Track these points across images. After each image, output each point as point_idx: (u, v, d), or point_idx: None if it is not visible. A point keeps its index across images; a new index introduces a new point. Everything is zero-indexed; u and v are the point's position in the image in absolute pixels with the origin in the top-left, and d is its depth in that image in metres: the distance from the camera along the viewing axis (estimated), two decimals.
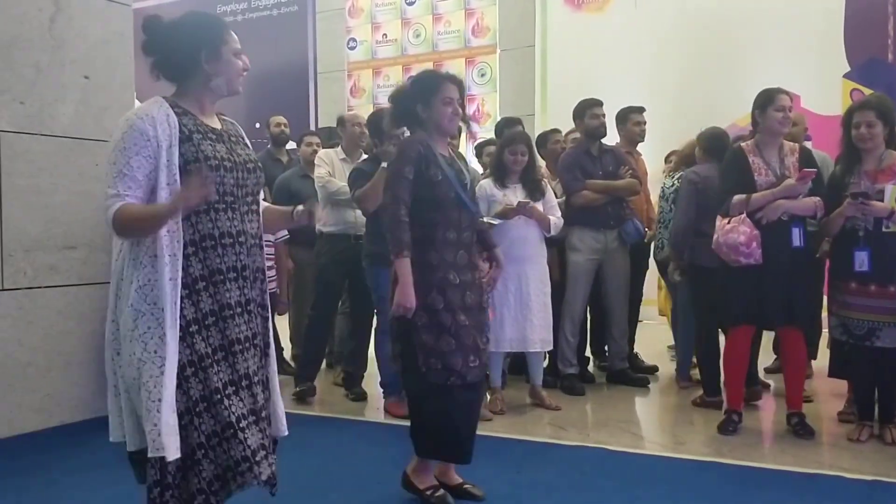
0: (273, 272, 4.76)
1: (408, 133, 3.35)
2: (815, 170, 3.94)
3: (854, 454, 3.83)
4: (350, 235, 4.84)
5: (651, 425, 4.68)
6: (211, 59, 2.27)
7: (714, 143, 4.78)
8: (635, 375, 5.44)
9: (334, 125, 5.65)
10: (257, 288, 2.38)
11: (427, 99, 3.11)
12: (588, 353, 5.82)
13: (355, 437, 4.33)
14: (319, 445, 4.06)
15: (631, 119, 5.62)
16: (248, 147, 2.43)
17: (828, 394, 5.01)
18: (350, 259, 4.74)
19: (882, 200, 3.84)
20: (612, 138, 5.67)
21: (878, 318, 3.88)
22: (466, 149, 9.02)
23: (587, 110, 5.33)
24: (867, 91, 7.00)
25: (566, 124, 5.81)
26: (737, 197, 4.05)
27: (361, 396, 5.00)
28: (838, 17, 7.84)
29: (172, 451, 2.08)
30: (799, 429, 4.13)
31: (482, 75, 9.56)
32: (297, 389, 4.87)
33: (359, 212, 4.65)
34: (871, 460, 3.73)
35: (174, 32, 2.26)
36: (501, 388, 4.79)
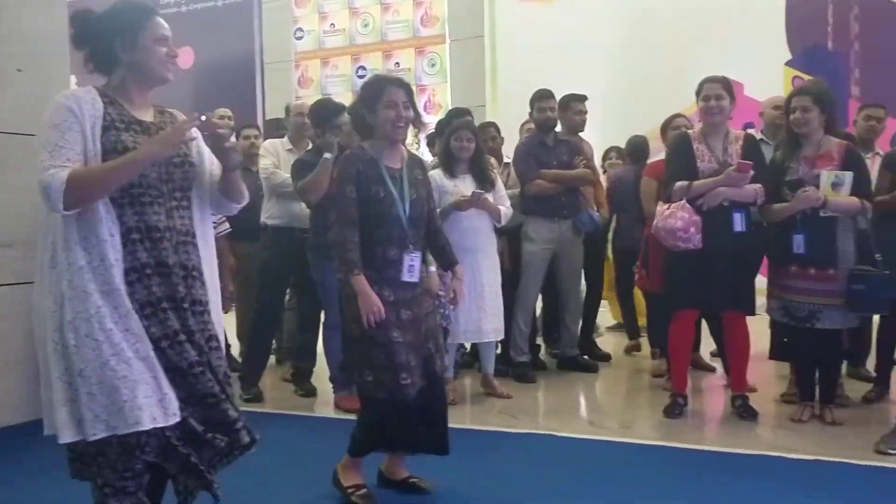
0: None
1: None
2: (750, 163, 3.98)
3: (796, 434, 3.91)
4: (295, 228, 4.78)
5: (600, 411, 4.72)
6: (126, 46, 2.24)
7: (635, 149, 5.33)
8: (586, 361, 5.49)
9: (282, 116, 5.57)
10: (187, 285, 2.31)
11: (371, 105, 3.04)
12: (539, 340, 5.86)
13: (306, 432, 4.29)
14: (270, 442, 3.97)
15: (572, 107, 5.64)
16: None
17: (771, 376, 5.11)
18: (296, 252, 4.68)
19: (818, 185, 3.91)
20: None
21: (818, 300, 3.95)
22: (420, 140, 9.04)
23: (535, 103, 5.35)
24: (808, 78, 7.13)
25: (517, 114, 5.82)
26: (679, 183, 4.10)
27: (311, 392, 4.95)
28: (780, 6, 7.99)
29: (147, 421, 2.12)
30: (743, 411, 4.21)
31: (432, 65, 9.53)
32: (245, 398, 4.80)
33: (305, 204, 4.60)
34: (813, 440, 3.81)
35: (97, 24, 2.25)
36: (454, 378, 4.79)
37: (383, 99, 3.01)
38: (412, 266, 3.04)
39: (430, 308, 3.17)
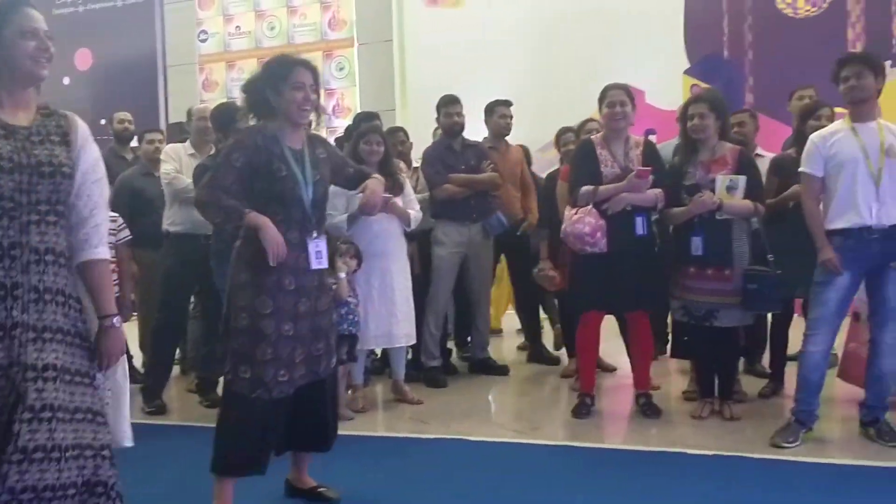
0: (114, 276, 4.53)
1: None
2: (648, 168, 4.10)
3: (697, 430, 4.04)
4: (199, 235, 4.65)
5: (510, 413, 4.77)
6: None
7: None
8: (497, 364, 5.54)
9: (185, 120, 5.43)
10: (37, 311, 2.05)
11: (277, 85, 2.89)
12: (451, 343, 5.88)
13: (207, 444, 4.17)
14: (175, 455, 3.90)
15: (496, 112, 5.70)
16: (68, 147, 2.16)
17: (675, 373, 5.26)
18: (199, 259, 4.56)
19: (714, 189, 4.05)
20: (482, 131, 5.74)
21: (715, 299, 4.10)
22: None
23: (441, 108, 5.40)
24: (705, 86, 7.40)
25: (428, 118, 5.82)
26: (584, 188, 4.18)
27: (217, 402, 4.82)
28: (678, 16, 8.26)
29: None
30: (646, 409, 4.32)
31: (341, 69, 9.46)
32: (148, 410, 4.64)
33: None
34: (713, 435, 3.94)
35: None
36: (364, 385, 4.76)
37: (290, 79, 2.88)
38: (319, 252, 2.93)
39: (326, 306, 3.04)
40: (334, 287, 4.13)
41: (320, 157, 3.02)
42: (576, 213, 4.16)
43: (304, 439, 3.08)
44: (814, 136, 3.85)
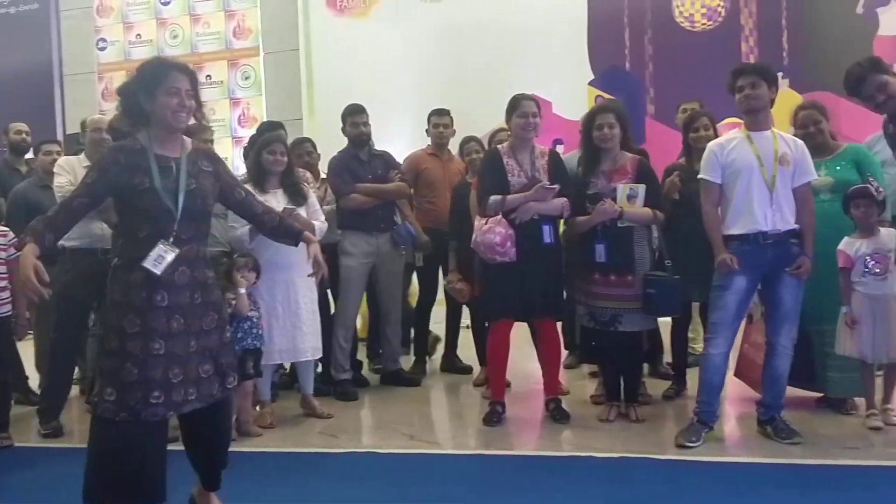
0: (7, 293, 4.32)
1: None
2: (556, 186, 4.19)
3: (604, 434, 4.11)
4: (97, 249, 4.48)
5: (422, 424, 4.74)
6: None
7: None
8: (408, 375, 5.51)
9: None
10: None
11: (150, 90, 2.74)
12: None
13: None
14: (74, 480, 3.71)
15: (431, 121, 5.73)
16: None
17: (587, 378, 5.35)
18: (97, 275, 4.35)
19: (615, 198, 4.15)
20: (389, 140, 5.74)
21: (619, 304, 4.19)
22: (233, 153, 8.77)
23: (347, 118, 5.36)
24: (609, 97, 7.58)
25: (336, 128, 5.76)
26: (493, 198, 4.22)
27: None
28: (582, 28, 8.44)
29: None
30: (556, 414, 4.38)
31: (246, 78, 9.28)
32: (44, 433, 4.42)
33: (105, 224, 4.33)
34: (619, 438, 4.02)
35: None
36: (272, 401, 4.66)
37: (165, 84, 2.73)
38: (161, 258, 2.72)
39: (213, 324, 2.86)
40: (233, 303, 4.04)
41: (202, 169, 2.87)
42: (486, 223, 4.19)
43: (196, 466, 2.97)
44: (711, 144, 3.98)
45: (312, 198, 4.66)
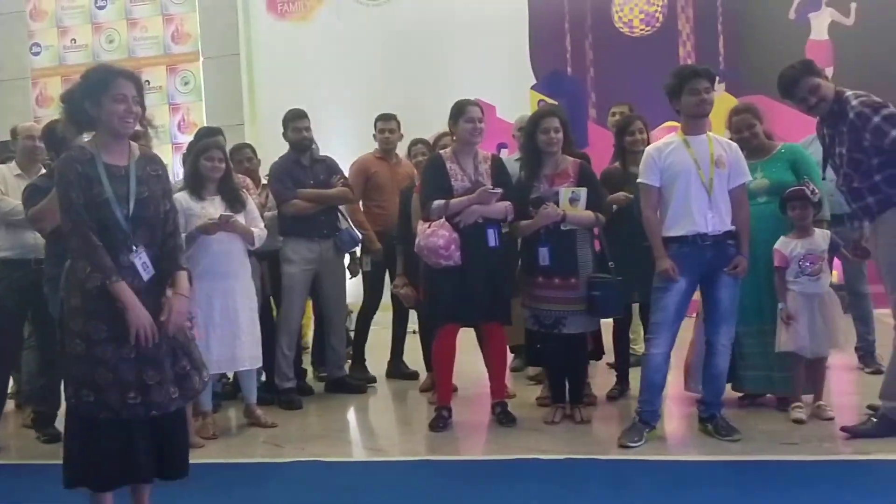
0: None
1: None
2: (499, 190, 4.20)
3: (550, 436, 4.12)
4: (29, 260, 4.35)
5: (368, 431, 4.72)
6: None
7: None
8: (354, 382, 5.46)
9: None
10: None
11: (96, 97, 2.73)
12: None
13: (52, 482, 3.87)
14: (10, 498, 3.61)
15: (376, 126, 5.70)
16: None
17: (532, 381, 5.36)
18: (31, 286, 4.26)
19: (558, 202, 4.18)
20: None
21: (563, 307, 4.22)
22: (173, 159, 8.61)
23: (289, 123, 5.29)
24: (552, 101, 7.65)
25: (278, 133, 5.70)
26: (436, 202, 4.22)
27: (56, 437, 4.49)
28: (524, 34, 8.52)
29: None
30: (502, 417, 4.38)
31: (185, 83, 9.14)
32: None
33: (38, 234, 4.21)
34: (564, 440, 4.04)
35: None
36: (214, 411, 4.57)
37: (111, 91, 2.72)
38: (145, 264, 2.78)
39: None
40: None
41: (150, 174, 2.86)
42: (429, 227, 4.18)
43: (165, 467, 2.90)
44: (650, 149, 4.03)
45: (251, 204, 4.59)
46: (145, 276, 2.77)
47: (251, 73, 8.93)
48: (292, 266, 5.13)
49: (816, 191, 4.15)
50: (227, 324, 4.34)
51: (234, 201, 4.44)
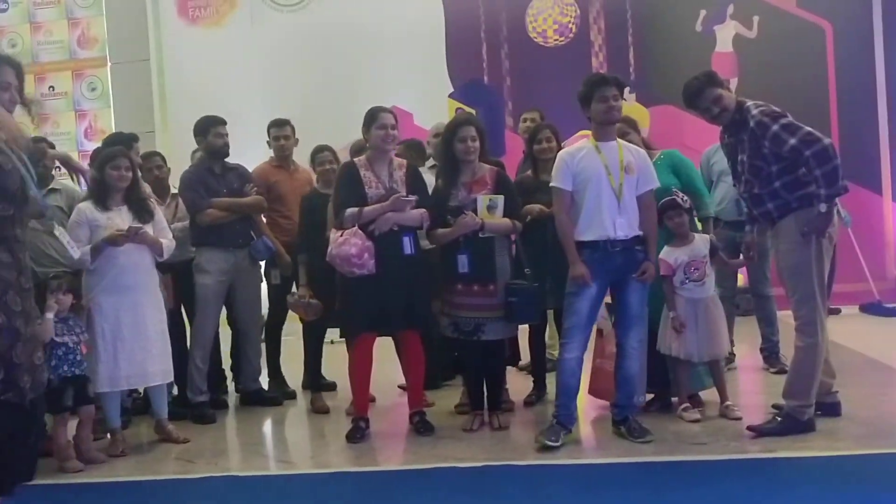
0: None
1: None
2: (413, 197, 4.21)
3: (468, 444, 4.12)
4: None
5: (284, 444, 4.63)
6: None
7: None
8: (269, 395, 5.36)
9: None
10: None
11: None
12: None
13: None
14: None
15: (270, 133, 5.59)
16: None
17: (451, 387, 5.36)
18: None
19: (476, 210, 4.20)
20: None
21: (482, 314, 4.23)
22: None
23: (210, 129, 5.15)
24: (470, 109, 7.71)
25: (190, 140, 5.57)
26: (349, 210, 4.17)
27: None
28: (441, 43, 8.56)
29: None
30: (420, 426, 4.36)
31: (93, 89, 8.85)
32: None
33: None
34: (482, 447, 4.05)
35: None
36: (123, 427, 4.42)
37: None
38: None
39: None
40: (39, 325, 3.74)
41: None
42: (341, 235, 4.14)
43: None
44: (562, 153, 4.10)
45: (159, 214, 4.46)
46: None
47: (162, 79, 8.70)
48: (206, 277, 5.00)
49: (686, 199, 4.32)
50: (135, 338, 4.20)
51: (142, 211, 4.31)
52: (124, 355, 4.16)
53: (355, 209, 4.17)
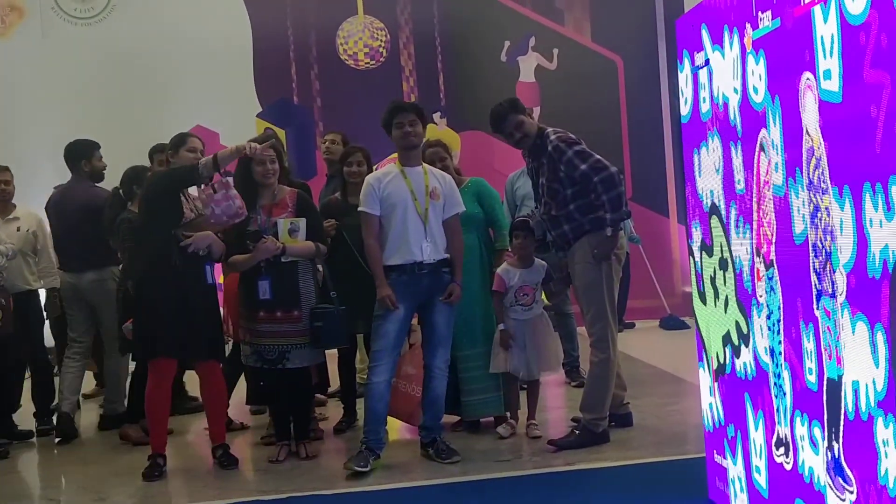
0: None
1: None
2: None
3: (275, 475, 3.99)
4: None
5: (74, 485, 4.26)
6: None
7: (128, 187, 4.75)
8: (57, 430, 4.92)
9: None
10: None
11: None
12: None
13: None
14: None
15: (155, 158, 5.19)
16: None
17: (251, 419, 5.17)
18: None
19: (277, 234, 4.08)
20: None
21: (286, 341, 4.10)
22: None
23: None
24: (280, 130, 7.58)
25: None
26: (204, 160, 4.03)
27: None
28: (248, 60, 8.38)
29: None
30: (224, 460, 4.16)
31: None
32: None
33: None
34: (288, 477, 3.93)
35: None
36: None
37: None
38: None
39: None
40: None
41: None
42: (216, 195, 3.96)
43: None
44: (370, 178, 4.09)
45: None
46: None
47: None
48: None
49: (537, 222, 4.40)
50: None
51: None
52: None
53: (209, 158, 4.02)
